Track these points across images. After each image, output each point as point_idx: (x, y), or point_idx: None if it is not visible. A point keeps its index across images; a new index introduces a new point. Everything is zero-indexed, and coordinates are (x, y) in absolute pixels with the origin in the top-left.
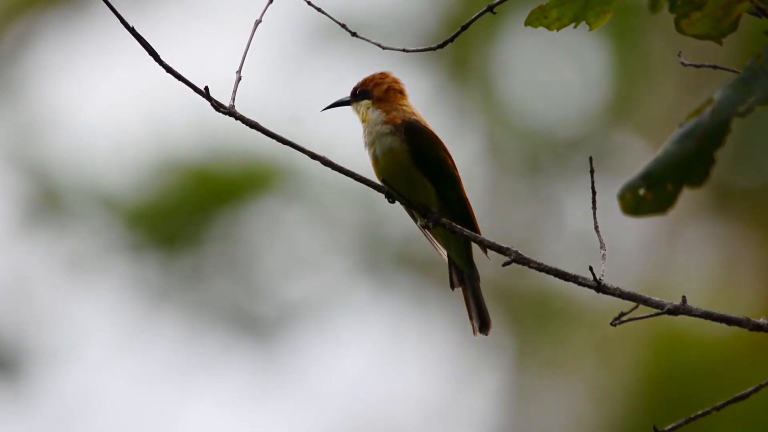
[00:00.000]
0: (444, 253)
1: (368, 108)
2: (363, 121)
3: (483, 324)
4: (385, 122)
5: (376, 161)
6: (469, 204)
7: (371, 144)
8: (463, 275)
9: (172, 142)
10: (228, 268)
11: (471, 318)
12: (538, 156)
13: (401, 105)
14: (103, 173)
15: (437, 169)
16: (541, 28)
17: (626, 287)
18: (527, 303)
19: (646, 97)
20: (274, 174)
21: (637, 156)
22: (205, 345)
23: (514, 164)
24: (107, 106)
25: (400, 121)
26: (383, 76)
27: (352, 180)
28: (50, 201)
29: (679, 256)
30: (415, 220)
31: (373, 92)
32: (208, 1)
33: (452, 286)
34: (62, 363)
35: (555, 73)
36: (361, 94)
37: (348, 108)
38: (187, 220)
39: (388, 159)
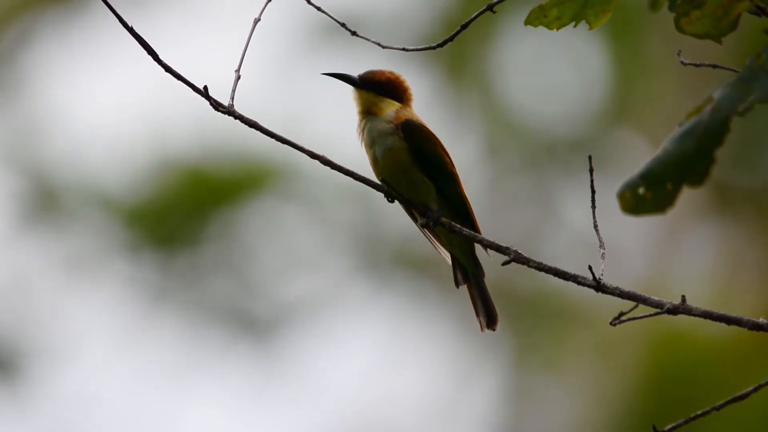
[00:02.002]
0: (444, 253)
1: (391, 107)
2: (370, 112)
3: (490, 320)
4: (389, 121)
5: (375, 162)
6: (468, 201)
7: (371, 145)
8: (467, 272)
9: (169, 142)
10: (226, 268)
11: (478, 314)
12: (538, 155)
13: (410, 109)
14: (101, 173)
15: (436, 166)
16: (541, 28)
17: (627, 287)
18: (527, 302)
19: (646, 96)
20: (272, 173)
21: (638, 155)
22: (204, 344)
23: (514, 164)
24: (106, 106)
25: (400, 121)
26: (403, 80)
27: (350, 179)
28: (48, 201)
29: (680, 256)
30: (415, 221)
31: (404, 97)
32: (208, 0)
33: (457, 284)
34: (61, 363)
35: (554, 72)
36: (384, 90)
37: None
38: (185, 219)
39: (388, 159)
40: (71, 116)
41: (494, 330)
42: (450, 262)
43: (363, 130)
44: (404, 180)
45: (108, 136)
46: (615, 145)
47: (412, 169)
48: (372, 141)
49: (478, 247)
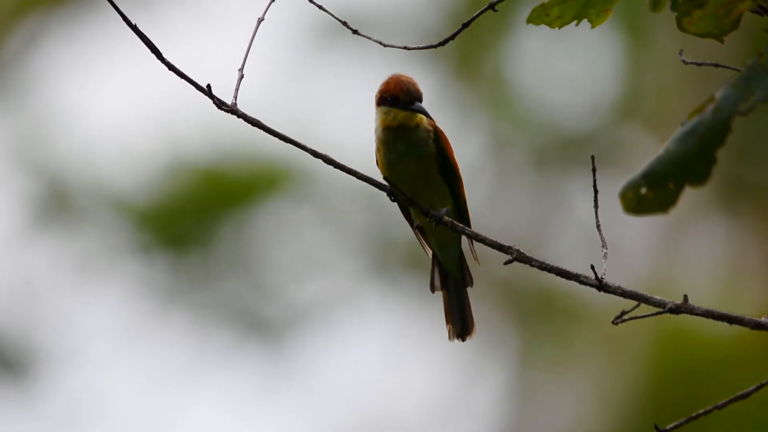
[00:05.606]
0: (431, 253)
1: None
2: (403, 124)
3: (464, 330)
4: (426, 129)
5: (391, 165)
6: (466, 202)
7: (402, 153)
8: (448, 279)
9: (181, 144)
10: (236, 269)
11: (448, 322)
12: (546, 152)
13: None
14: (111, 174)
15: (451, 169)
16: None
17: (631, 286)
18: (532, 301)
19: (655, 93)
20: (283, 175)
21: (646, 153)
22: (214, 346)
23: (521, 161)
24: (115, 106)
25: (432, 126)
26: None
27: (360, 181)
28: (59, 202)
29: (684, 254)
30: (410, 221)
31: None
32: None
33: (432, 290)
34: (70, 363)
35: (563, 69)
36: (416, 106)
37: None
38: (196, 221)
39: (419, 165)
40: (81, 117)
41: (463, 341)
42: (431, 265)
43: (395, 137)
44: (423, 183)
45: (119, 136)
46: (624, 142)
47: (436, 173)
48: (405, 148)
49: (469, 257)
